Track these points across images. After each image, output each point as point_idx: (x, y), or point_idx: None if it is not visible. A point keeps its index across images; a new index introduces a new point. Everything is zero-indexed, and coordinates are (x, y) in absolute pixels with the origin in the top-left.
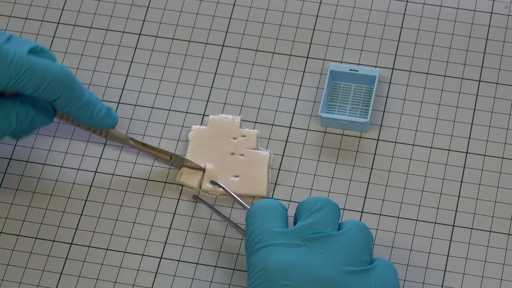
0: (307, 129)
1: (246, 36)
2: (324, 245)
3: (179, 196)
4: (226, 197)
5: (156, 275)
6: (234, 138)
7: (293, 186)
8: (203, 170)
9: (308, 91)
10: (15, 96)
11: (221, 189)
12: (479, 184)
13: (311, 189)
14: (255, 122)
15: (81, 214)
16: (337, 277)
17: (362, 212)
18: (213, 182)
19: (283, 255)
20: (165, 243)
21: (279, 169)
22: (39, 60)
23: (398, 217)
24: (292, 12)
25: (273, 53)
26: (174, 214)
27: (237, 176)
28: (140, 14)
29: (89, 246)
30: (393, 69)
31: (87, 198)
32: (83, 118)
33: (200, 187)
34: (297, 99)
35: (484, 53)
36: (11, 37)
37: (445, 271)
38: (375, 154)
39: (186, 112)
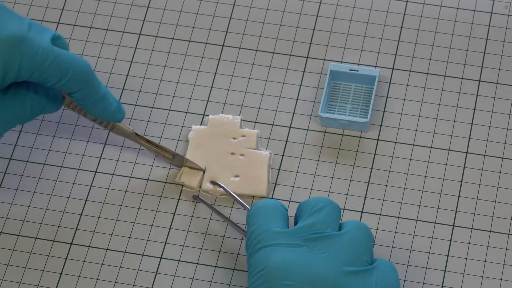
0: (307, 129)
1: (246, 36)
2: (325, 245)
3: (179, 196)
4: (226, 197)
5: (156, 275)
6: (234, 138)
7: (293, 186)
8: (203, 170)
9: (308, 91)
10: (27, 84)
11: (221, 189)
12: (479, 184)
13: (311, 189)
14: (255, 122)
15: (81, 214)
16: (337, 278)
17: (362, 212)
18: (213, 182)
19: (284, 255)
20: (165, 243)
21: (279, 169)
22: (63, 53)
23: (398, 217)
24: (292, 12)
25: (273, 53)
26: (174, 214)
27: (237, 176)
28: (140, 14)
29: (89, 246)
30: (393, 69)
31: (87, 198)
32: (97, 112)
33: (200, 187)
34: (297, 99)
35: (484, 53)
36: (31, 23)
37: (445, 271)
38: (375, 154)
39: (186, 112)
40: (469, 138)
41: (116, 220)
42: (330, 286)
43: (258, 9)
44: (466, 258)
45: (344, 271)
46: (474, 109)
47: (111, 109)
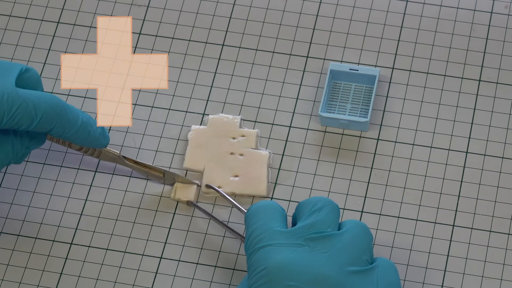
0: (307, 129)
1: (246, 35)
2: (326, 245)
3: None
4: (226, 195)
5: (156, 275)
6: (234, 138)
7: (293, 186)
8: (196, 185)
9: (308, 91)
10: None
11: (221, 188)
12: (479, 184)
13: (311, 189)
14: (255, 122)
15: (81, 214)
16: (339, 277)
17: (362, 212)
18: (208, 186)
19: (285, 255)
20: (165, 243)
21: (279, 169)
22: (28, 94)
23: (398, 217)
24: (292, 12)
25: (273, 52)
26: (174, 213)
27: (236, 176)
28: (140, 14)
29: (89, 246)
30: (393, 68)
31: (87, 198)
32: (80, 140)
33: (200, 186)
34: (297, 99)
35: (484, 52)
36: None
37: (445, 271)
38: (375, 153)
39: (186, 112)
40: (469, 138)
41: (116, 220)
42: (332, 286)
43: (258, 8)
44: (466, 258)
45: (346, 271)
46: (474, 109)
47: (95, 135)
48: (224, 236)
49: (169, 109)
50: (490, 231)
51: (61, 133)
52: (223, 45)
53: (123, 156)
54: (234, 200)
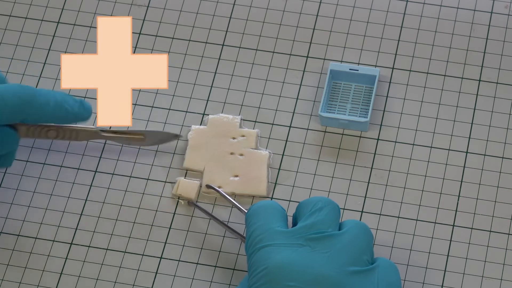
0: (307, 129)
1: (246, 35)
2: (327, 245)
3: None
4: (227, 195)
5: (156, 275)
6: (234, 138)
7: (293, 186)
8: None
9: (308, 91)
10: None
11: (221, 188)
12: (479, 184)
13: (311, 189)
14: (255, 122)
15: (81, 214)
16: (340, 277)
17: (362, 212)
18: (209, 186)
19: (286, 255)
20: (165, 243)
21: (279, 169)
22: None
23: (398, 217)
24: (292, 12)
25: (273, 52)
26: (174, 214)
27: (236, 176)
28: (140, 14)
29: (89, 246)
30: (393, 68)
31: (87, 198)
32: (62, 119)
33: (201, 186)
34: (297, 99)
35: (484, 52)
36: None
37: (445, 271)
38: (375, 153)
39: (186, 112)
40: (469, 138)
41: (116, 220)
42: (333, 286)
43: (258, 8)
44: (466, 258)
45: (346, 271)
46: (474, 109)
47: (75, 110)
48: (224, 236)
49: (169, 109)
50: (490, 231)
51: (37, 118)
52: (223, 45)
53: (100, 130)
54: (234, 200)
